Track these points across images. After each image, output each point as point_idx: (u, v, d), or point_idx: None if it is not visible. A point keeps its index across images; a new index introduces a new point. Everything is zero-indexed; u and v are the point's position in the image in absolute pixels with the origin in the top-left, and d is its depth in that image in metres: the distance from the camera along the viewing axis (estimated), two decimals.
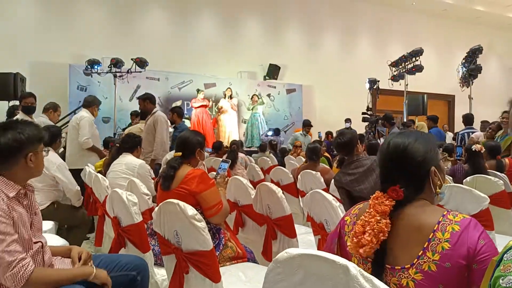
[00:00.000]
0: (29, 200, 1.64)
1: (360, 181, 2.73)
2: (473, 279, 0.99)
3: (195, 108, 9.59)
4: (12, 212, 1.48)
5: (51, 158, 3.30)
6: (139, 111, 5.39)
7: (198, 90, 9.93)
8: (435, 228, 1.04)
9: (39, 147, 1.63)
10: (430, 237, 1.04)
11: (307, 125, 9.14)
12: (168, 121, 5.23)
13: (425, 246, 1.03)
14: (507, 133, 4.57)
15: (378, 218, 1.09)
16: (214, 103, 10.29)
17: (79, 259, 1.72)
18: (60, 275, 1.58)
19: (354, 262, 1.14)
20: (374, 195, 1.15)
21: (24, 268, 1.43)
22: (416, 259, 1.04)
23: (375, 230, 1.07)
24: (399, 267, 1.06)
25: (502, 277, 0.79)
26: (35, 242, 1.59)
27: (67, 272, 1.63)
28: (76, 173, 4.00)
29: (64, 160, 4.38)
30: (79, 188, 3.47)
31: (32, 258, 1.53)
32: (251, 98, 10.56)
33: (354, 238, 1.11)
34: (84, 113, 4.72)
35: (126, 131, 5.41)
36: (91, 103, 4.83)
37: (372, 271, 1.09)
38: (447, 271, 1.00)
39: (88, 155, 4.61)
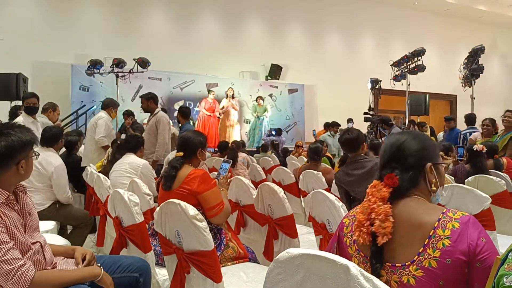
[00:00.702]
0: (21, 202, 1.61)
1: (358, 183, 2.72)
2: (475, 277, 1.01)
3: (204, 113, 9.68)
4: (4, 218, 1.45)
5: (50, 159, 3.29)
6: (142, 110, 5.40)
7: (209, 91, 10.11)
8: (435, 225, 1.06)
9: (30, 153, 1.60)
10: (430, 234, 1.05)
11: (334, 125, 8.51)
12: (170, 121, 5.25)
13: (425, 243, 1.05)
14: (509, 132, 4.55)
15: (380, 203, 1.12)
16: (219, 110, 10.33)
17: (83, 260, 1.71)
18: (65, 276, 1.55)
19: (354, 262, 1.15)
20: (372, 184, 1.19)
21: (25, 275, 1.41)
22: (416, 256, 1.05)
23: (382, 215, 1.10)
24: (400, 265, 1.07)
25: (506, 276, 0.80)
26: (34, 243, 1.57)
27: (73, 273, 1.59)
28: None
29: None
30: (69, 195, 3.43)
31: (32, 259, 1.52)
32: (256, 101, 10.55)
33: (360, 228, 1.13)
34: (102, 113, 4.99)
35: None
36: (107, 105, 5.07)
37: (371, 270, 1.10)
38: (447, 267, 1.01)
39: (104, 154, 4.72)
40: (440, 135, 8.50)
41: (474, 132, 5.81)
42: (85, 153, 4.87)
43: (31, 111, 4.60)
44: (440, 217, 1.07)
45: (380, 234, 1.09)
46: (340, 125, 8.63)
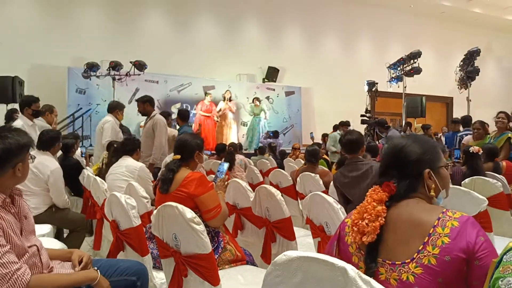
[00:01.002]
0: (17, 205, 1.60)
1: (352, 185, 2.75)
2: (473, 275, 1.03)
3: (201, 115, 9.69)
4: (1, 221, 1.44)
5: (46, 162, 3.25)
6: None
7: (206, 94, 10.09)
8: (435, 224, 1.08)
9: (26, 156, 1.60)
10: (430, 232, 1.07)
11: (344, 124, 8.51)
12: (167, 124, 5.25)
13: (425, 240, 1.07)
14: (502, 133, 4.56)
15: (375, 204, 1.15)
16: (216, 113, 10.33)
17: (80, 263, 1.70)
18: (62, 280, 1.54)
19: (355, 261, 1.16)
20: (372, 188, 1.22)
21: (20, 279, 1.40)
22: (416, 254, 1.07)
23: (372, 215, 1.13)
24: (400, 262, 1.09)
25: (501, 279, 0.80)
26: (30, 246, 1.56)
27: (69, 277, 1.58)
28: None
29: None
30: (66, 199, 3.39)
31: (29, 262, 1.51)
32: (252, 102, 10.55)
33: (353, 227, 1.16)
34: (108, 117, 5.06)
35: None
36: (113, 108, 5.14)
37: (366, 269, 1.12)
38: (446, 264, 1.02)
39: None
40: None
41: (470, 134, 5.83)
42: (94, 157, 4.99)
43: (37, 115, 4.64)
44: (440, 216, 1.10)
45: (367, 232, 1.12)
46: (349, 124, 8.62)
